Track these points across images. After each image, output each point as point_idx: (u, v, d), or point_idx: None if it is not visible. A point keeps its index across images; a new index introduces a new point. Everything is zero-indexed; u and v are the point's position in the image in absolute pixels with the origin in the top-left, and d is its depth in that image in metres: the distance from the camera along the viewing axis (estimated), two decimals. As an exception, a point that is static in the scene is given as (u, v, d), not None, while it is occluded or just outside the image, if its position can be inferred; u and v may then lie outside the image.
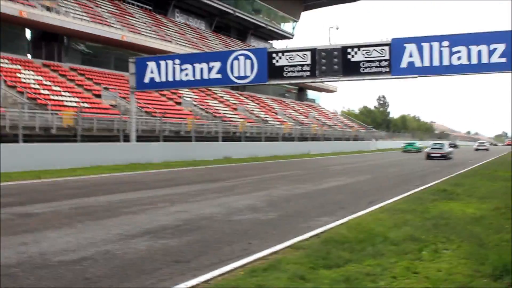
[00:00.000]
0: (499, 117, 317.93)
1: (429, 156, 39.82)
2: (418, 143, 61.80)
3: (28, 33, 38.82)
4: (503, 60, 23.33)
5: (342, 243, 7.57)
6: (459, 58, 24.07)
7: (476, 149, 70.20)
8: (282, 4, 74.10)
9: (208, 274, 6.17)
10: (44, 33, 38.40)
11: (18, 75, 32.64)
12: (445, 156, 40.13)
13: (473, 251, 7.07)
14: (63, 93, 33.43)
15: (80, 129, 27.17)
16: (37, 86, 32.41)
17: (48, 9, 37.22)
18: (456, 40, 24.34)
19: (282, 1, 73.20)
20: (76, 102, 32.72)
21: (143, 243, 7.98)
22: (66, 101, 32.27)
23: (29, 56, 38.35)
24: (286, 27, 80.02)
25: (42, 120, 27.78)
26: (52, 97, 31.73)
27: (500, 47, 23.38)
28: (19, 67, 34.03)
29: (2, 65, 32.61)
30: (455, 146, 72.14)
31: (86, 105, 32.60)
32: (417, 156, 45.34)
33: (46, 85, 33.42)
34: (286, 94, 73.35)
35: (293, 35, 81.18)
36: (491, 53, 23.51)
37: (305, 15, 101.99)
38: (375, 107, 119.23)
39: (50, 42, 39.33)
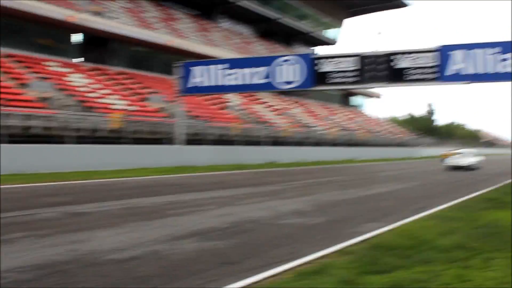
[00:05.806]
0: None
1: None
2: None
3: (77, 37, 39.65)
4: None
5: (389, 249, 7.49)
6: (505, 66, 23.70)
7: None
8: (326, 11, 73.91)
9: (257, 276, 6.19)
10: (93, 37, 39.17)
11: (67, 78, 33.35)
12: None
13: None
14: (110, 96, 34.01)
15: (127, 131, 27.60)
16: (85, 89, 33.06)
17: (97, 14, 37.98)
18: (506, 47, 23.90)
19: (326, 7, 72.98)
20: (123, 105, 33.25)
21: (191, 244, 8.05)
22: (114, 104, 32.81)
23: (77, 59, 39.15)
24: (330, 33, 79.74)
25: (90, 123, 28.34)
26: (99, 100, 32.31)
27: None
28: (67, 70, 34.77)
29: (51, 68, 33.43)
30: None
31: (133, 108, 33.08)
32: None
33: (94, 88, 34.06)
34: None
35: (336, 41, 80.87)
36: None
37: (350, 20, 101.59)
38: (422, 114, 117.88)
39: (98, 46, 40.11)
